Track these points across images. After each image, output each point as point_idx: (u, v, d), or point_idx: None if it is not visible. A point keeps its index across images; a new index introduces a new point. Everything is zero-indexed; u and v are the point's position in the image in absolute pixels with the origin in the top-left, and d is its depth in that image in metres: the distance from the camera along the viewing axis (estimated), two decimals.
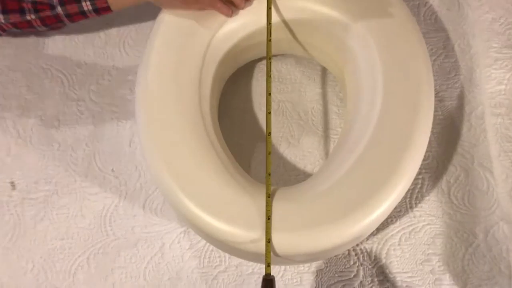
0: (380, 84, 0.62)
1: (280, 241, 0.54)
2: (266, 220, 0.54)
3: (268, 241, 0.53)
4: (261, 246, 0.54)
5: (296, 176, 0.71)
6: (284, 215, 0.55)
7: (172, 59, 0.64)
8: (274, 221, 0.55)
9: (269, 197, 0.56)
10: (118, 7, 0.68)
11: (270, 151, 0.58)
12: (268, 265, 0.53)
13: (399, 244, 0.67)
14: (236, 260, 0.67)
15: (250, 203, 0.56)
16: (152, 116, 0.61)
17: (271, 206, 0.56)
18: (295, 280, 0.66)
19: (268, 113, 0.60)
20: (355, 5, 0.65)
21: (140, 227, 0.69)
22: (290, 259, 0.57)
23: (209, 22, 0.66)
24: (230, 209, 0.56)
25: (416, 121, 0.59)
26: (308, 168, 0.71)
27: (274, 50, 0.70)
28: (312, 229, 0.54)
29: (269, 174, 0.57)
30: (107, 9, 0.68)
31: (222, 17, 0.66)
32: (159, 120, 0.61)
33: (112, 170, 0.72)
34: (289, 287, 0.66)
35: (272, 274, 0.53)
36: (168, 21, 0.66)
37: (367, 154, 0.58)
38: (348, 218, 0.54)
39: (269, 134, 0.59)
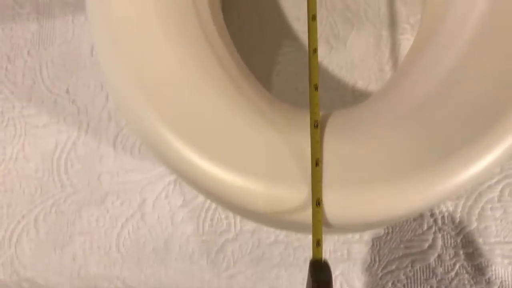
0: None
1: (336, 203, 0.31)
2: (312, 167, 0.31)
3: (317, 203, 0.30)
4: (305, 213, 0.31)
5: (342, 98, 0.47)
6: (342, 159, 0.32)
7: None
8: (325, 169, 0.31)
9: (317, 126, 0.32)
10: None
11: (315, 46, 0.33)
12: (317, 244, 0.31)
13: (499, 201, 0.44)
14: (251, 224, 0.45)
15: (280, 140, 0.32)
16: (112, 5, 0.37)
17: (320, 143, 0.32)
18: (339, 253, 0.44)
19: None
20: None
21: (110, 175, 0.47)
22: (347, 229, 0.35)
23: None
24: (247, 154, 0.32)
25: None
26: (360, 85, 0.47)
27: None
28: (390, 181, 0.31)
29: (316, 88, 0.33)
30: None
31: None
32: (124, 11, 0.36)
33: (67, 90, 0.48)
34: (332, 262, 0.44)
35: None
36: None
37: (473, 62, 0.33)
38: (450, 163, 0.31)
39: (314, 17, 0.34)
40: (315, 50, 0.33)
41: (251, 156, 0.32)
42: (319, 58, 0.47)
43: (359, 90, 0.47)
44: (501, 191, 0.44)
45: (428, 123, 0.32)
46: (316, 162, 0.31)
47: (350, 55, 0.47)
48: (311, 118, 0.32)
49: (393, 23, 0.48)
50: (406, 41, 0.47)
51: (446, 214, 0.44)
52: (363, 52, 0.47)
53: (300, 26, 0.48)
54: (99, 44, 0.37)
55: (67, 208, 0.47)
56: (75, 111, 0.48)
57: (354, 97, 0.46)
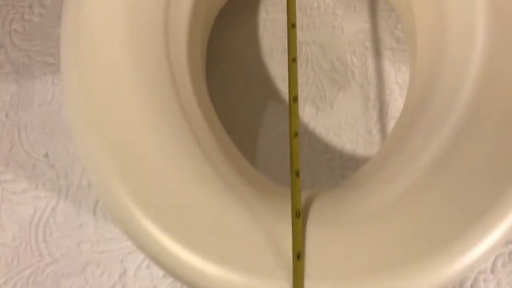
0: (482, 16, 0.36)
1: None
2: (294, 261, 0.30)
3: None
4: None
5: (328, 162, 0.45)
6: (325, 252, 0.30)
7: None
8: (307, 263, 0.30)
9: (298, 216, 0.31)
10: None
11: (296, 130, 0.32)
12: None
13: (492, 272, 0.43)
14: None
15: (261, 230, 0.31)
16: (88, 74, 0.36)
17: (302, 234, 0.30)
18: None
19: (292, 60, 0.34)
20: None
21: (90, 243, 0.45)
22: None
23: None
24: (226, 244, 0.31)
25: None
26: (348, 148, 0.46)
27: None
28: (377, 276, 0.29)
29: (297, 174, 0.32)
30: None
31: None
32: (99, 82, 0.35)
33: (46, 154, 0.47)
34: None
35: None
36: None
37: (467, 137, 0.32)
38: (443, 254, 0.29)
39: (295, 99, 0.33)
40: (295, 134, 0.32)
41: (230, 247, 0.31)
42: (306, 120, 0.46)
43: (347, 154, 0.45)
44: (494, 262, 0.42)
45: (419, 211, 0.31)
46: (298, 255, 0.30)
47: (337, 118, 0.46)
48: (292, 208, 0.31)
49: (380, 84, 0.47)
50: (395, 102, 0.46)
51: None
52: (351, 114, 0.46)
53: (285, 87, 0.47)
54: (73, 116, 0.36)
55: (45, 279, 0.45)
56: (54, 177, 0.46)
57: (342, 161, 0.45)
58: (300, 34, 0.48)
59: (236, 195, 0.32)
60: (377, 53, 0.48)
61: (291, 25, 0.34)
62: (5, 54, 0.50)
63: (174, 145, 0.34)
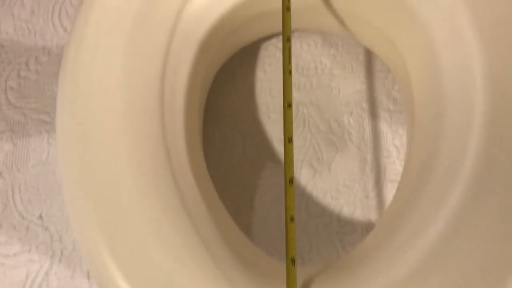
0: (480, 85, 0.36)
1: None
2: None
3: None
4: None
5: (326, 226, 0.45)
6: None
7: (117, 42, 0.38)
8: None
9: None
10: None
11: (293, 214, 0.32)
12: None
13: None
14: None
15: None
16: (81, 145, 0.35)
17: None
18: None
19: (288, 141, 0.34)
20: None
21: None
22: None
23: None
24: None
25: None
26: (345, 212, 0.45)
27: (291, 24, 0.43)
28: None
29: (293, 261, 0.31)
30: None
31: None
32: (93, 153, 0.35)
33: (40, 216, 0.46)
34: None
35: None
36: None
37: (468, 219, 0.32)
38: None
39: (291, 181, 0.33)
40: (292, 219, 0.32)
41: None
42: (303, 182, 0.46)
43: (345, 218, 0.45)
44: None
45: None
46: None
47: (334, 180, 0.46)
48: None
49: (378, 146, 0.47)
50: (392, 165, 0.46)
51: None
52: (348, 176, 0.46)
53: (282, 149, 0.47)
54: (66, 187, 0.36)
55: None
56: (48, 239, 0.46)
57: (339, 225, 0.45)
58: (297, 95, 0.48)
59: (228, 284, 0.31)
60: (374, 115, 0.48)
61: (287, 105, 0.34)
62: (0, 112, 0.49)
63: (166, 223, 0.33)
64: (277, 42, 0.51)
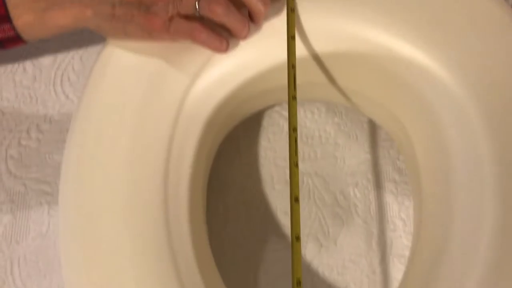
0: (489, 167, 0.36)
1: None
2: None
3: None
4: None
5: None
6: None
7: (122, 129, 0.37)
8: None
9: None
10: (35, 36, 0.40)
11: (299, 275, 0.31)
12: None
13: None
14: None
15: None
16: (85, 232, 0.35)
17: None
18: None
19: (295, 200, 0.33)
20: (447, 41, 0.38)
21: None
22: None
23: (185, 60, 0.39)
24: None
25: None
26: None
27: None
28: None
29: None
30: (16, 39, 0.39)
31: (206, 53, 0.39)
32: (95, 240, 0.34)
33: None
34: None
35: None
36: (118, 60, 0.39)
37: None
38: None
39: (297, 238, 0.32)
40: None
41: None
42: (309, 257, 0.45)
43: None
44: None
45: None
46: None
47: (340, 255, 0.45)
48: None
49: (384, 219, 0.46)
50: (398, 239, 0.46)
51: None
52: (354, 251, 0.45)
53: (287, 221, 0.47)
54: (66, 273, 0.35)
55: None
56: None
57: None
58: (301, 165, 0.48)
59: None
60: (380, 186, 0.47)
61: (294, 164, 0.33)
62: (0, 182, 0.48)
63: None
64: (281, 110, 0.50)
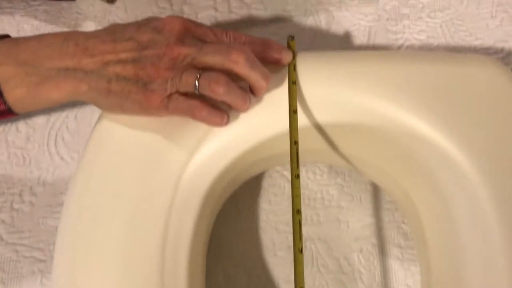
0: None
1: None
2: None
3: None
4: None
5: None
6: None
7: (118, 205, 0.36)
8: None
9: None
10: (26, 109, 0.38)
11: None
12: None
13: None
14: None
15: None
16: None
17: None
18: None
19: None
20: (452, 114, 0.37)
21: None
22: None
23: (182, 134, 0.38)
24: None
25: None
26: None
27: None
28: None
29: None
30: (7, 113, 0.38)
31: (204, 126, 0.37)
32: None
33: None
34: None
35: None
36: (113, 135, 0.38)
37: None
38: None
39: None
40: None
41: None
42: None
43: None
44: None
45: None
46: None
47: None
48: None
49: (389, 286, 0.45)
50: None
51: None
52: None
53: None
54: None
55: None
56: None
57: None
58: (304, 230, 0.46)
59: None
60: (385, 252, 0.46)
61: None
62: None
63: None
64: (282, 170, 0.49)
